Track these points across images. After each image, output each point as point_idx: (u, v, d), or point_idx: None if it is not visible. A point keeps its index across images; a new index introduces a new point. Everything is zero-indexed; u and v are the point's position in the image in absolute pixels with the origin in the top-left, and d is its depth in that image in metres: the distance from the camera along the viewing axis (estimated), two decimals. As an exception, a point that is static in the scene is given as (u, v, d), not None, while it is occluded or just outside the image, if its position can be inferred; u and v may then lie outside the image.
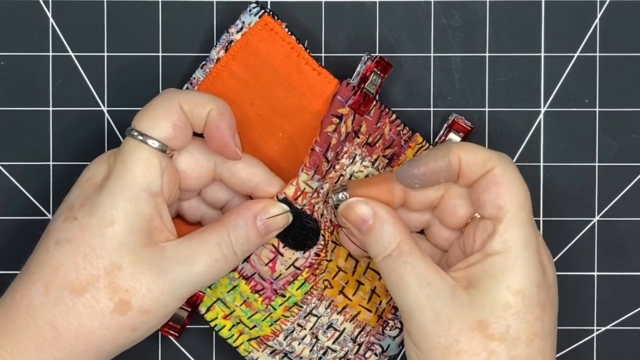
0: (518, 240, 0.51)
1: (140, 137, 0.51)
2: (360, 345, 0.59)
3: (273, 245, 0.56)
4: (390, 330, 0.59)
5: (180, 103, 0.52)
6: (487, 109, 0.60)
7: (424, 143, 0.58)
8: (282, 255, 0.57)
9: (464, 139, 0.58)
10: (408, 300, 0.52)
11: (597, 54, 0.60)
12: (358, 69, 0.57)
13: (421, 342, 0.52)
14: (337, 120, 0.56)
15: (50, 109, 0.60)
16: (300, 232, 0.56)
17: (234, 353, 0.59)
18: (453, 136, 0.58)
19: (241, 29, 0.57)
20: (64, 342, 0.50)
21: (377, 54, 0.57)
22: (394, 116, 0.57)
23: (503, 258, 0.51)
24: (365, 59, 0.57)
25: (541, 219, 0.60)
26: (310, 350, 0.59)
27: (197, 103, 0.52)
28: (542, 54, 0.60)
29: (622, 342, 0.60)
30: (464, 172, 0.52)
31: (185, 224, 0.58)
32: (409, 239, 0.53)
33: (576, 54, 0.60)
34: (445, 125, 0.59)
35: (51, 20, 0.59)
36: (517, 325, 0.50)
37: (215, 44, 0.59)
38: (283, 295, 0.58)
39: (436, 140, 0.59)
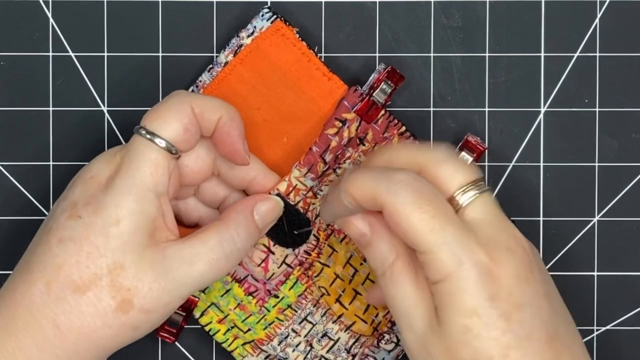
0: (448, 264, 0.48)
1: (148, 136, 0.51)
2: (354, 356, 0.59)
3: (264, 245, 0.57)
4: (385, 344, 0.59)
5: (193, 106, 0.52)
6: (487, 109, 0.60)
7: None
8: (273, 253, 0.57)
9: (476, 160, 0.58)
10: (397, 321, 0.51)
11: (597, 54, 0.60)
12: (371, 78, 0.57)
13: None
14: (340, 124, 0.57)
15: (50, 109, 0.60)
16: (292, 228, 0.57)
17: (234, 353, 0.59)
18: (465, 155, 0.58)
19: (252, 33, 0.57)
20: (66, 341, 0.50)
21: (390, 65, 0.57)
22: (403, 128, 0.57)
23: (444, 285, 0.48)
24: (379, 68, 0.57)
25: (541, 219, 0.60)
26: (304, 358, 0.59)
27: (209, 108, 0.52)
28: (542, 54, 0.60)
29: (622, 342, 0.60)
30: (364, 207, 0.51)
31: (182, 227, 0.57)
32: (404, 254, 0.51)
33: (576, 54, 0.60)
34: (460, 144, 0.58)
35: (51, 20, 0.59)
36: (483, 345, 0.48)
37: (215, 44, 0.59)
38: (276, 296, 0.58)
39: None
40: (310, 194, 0.57)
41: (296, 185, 0.57)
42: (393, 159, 0.51)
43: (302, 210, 0.57)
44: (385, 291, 0.51)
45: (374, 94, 0.57)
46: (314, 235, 0.58)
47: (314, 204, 0.57)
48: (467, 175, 0.50)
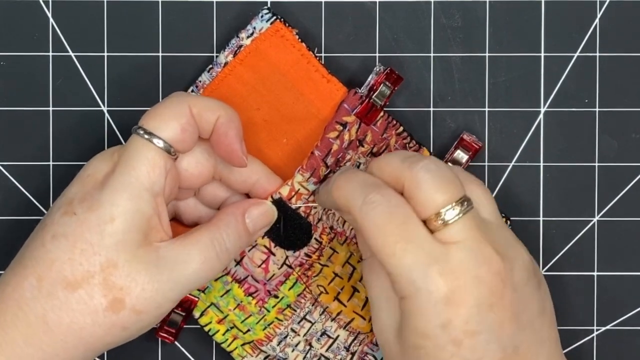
0: (405, 288, 0.49)
1: (146, 136, 0.51)
2: (353, 354, 0.59)
3: (265, 247, 0.57)
4: None
5: (190, 106, 0.52)
6: (487, 109, 0.60)
7: None
8: (274, 255, 0.57)
9: (471, 158, 0.58)
10: (371, 308, 0.54)
11: (597, 54, 0.60)
12: (369, 79, 0.57)
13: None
14: (341, 128, 0.57)
15: (50, 109, 0.60)
16: (292, 232, 0.57)
17: (234, 353, 0.59)
18: (460, 153, 0.58)
19: (252, 34, 0.57)
20: (54, 337, 0.50)
21: (388, 67, 0.57)
22: (401, 128, 0.57)
23: (404, 303, 0.50)
24: (377, 69, 0.57)
25: (541, 218, 0.60)
26: (304, 358, 0.59)
27: (207, 108, 0.52)
28: (542, 54, 0.60)
29: (622, 342, 0.60)
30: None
31: (181, 226, 0.58)
32: None
33: (576, 54, 0.60)
34: (455, 142, 0.59)
35: (51, 20, 0.59)
36: None
37: (215, 44, 0.59)
38: (276, 296, 0.58)
39: (445, 157, 0.58)
40: (312, 197, 0.57)
41: (299, 189, 0.56)
42: (382, 168, 0.52)
43: (303, 215, 0.57)
44: (364, 277, 0.54)
45: (373, 96, 0.57)
46: (316, 239, 0.58)
47: (315, 207, 0.57)
48: (446, 197, 0.49)
